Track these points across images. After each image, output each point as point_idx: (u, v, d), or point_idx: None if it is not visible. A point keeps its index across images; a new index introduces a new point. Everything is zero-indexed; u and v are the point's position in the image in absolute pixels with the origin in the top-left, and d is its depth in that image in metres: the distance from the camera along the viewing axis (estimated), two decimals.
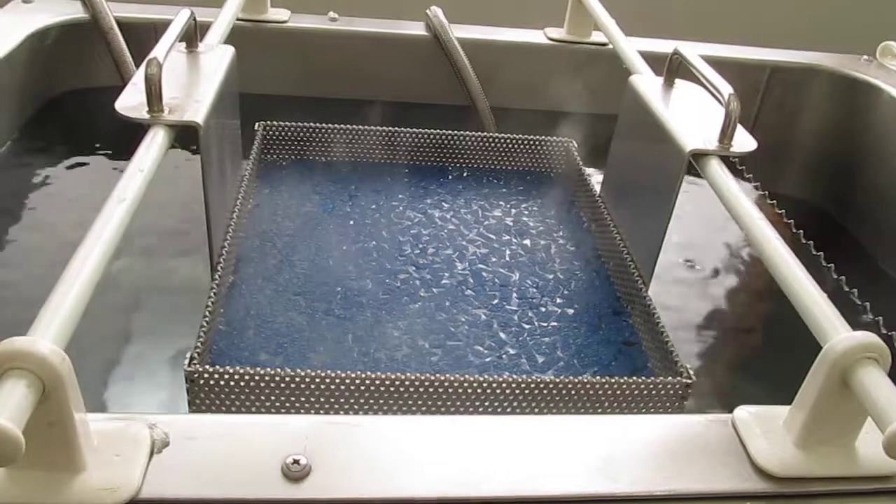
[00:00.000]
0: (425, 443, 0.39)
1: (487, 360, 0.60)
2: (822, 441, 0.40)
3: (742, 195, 0.54)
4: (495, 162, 0.87)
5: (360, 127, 0.84)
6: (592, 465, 0.39)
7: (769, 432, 0.41)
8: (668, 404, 0.54)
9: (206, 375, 0.49)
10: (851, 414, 0.40)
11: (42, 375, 0.32)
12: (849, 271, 0.80)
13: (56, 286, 0.38)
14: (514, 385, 0.51)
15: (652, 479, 0.39)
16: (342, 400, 0.51)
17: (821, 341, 0.40)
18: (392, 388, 0.51)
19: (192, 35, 0.65)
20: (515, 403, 0.52)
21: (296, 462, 0.37)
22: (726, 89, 0.58)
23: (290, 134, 0.84)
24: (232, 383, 0.50)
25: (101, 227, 0.43)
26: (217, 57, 0.65)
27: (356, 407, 0.51)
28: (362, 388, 0.50)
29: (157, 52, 0.54)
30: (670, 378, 0.54)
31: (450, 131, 0.85)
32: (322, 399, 0.51)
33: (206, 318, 0.55)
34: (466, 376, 0.51)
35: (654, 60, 0.75)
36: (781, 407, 0.42)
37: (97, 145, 0.89)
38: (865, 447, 0.41)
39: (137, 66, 0.86)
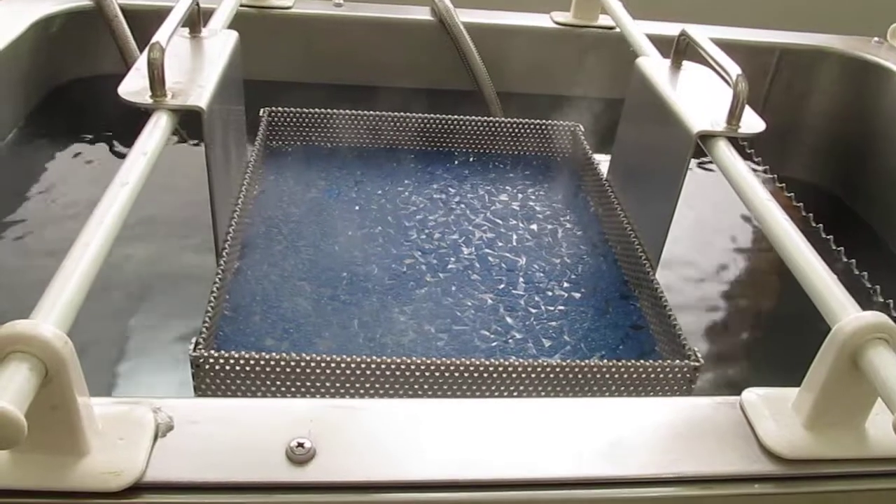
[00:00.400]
0: (431, 426, 0.39)
1: (494, 344, 0.60)
2: (831, 423, 0.40)
3: (750, 176, 0.53)
4: (502, 147, 0.86)
5: (366, 112, 0.84)
6: (600, 448, 0.39)
7: (778, 414, 0.41)
8: (676, 387, 0.54)
9: (211, 360, 0.49)
10: (861, 395, 0.39)
11: (44, 359, 0.32)
12: (858, 255, 0.79)
13: (59, 270, 0.38)
14: (520, 369, 0.51)
15: (660, 461, 0.38)
16: (347, 384, 0.51)
17: (830, 322, 0.40)
18: (398, 373, 0.50)
19: (196, 20, 0.64)
20: (522, 387, 0.52)
21: (300, 445, 0.36)
22: (734, 70, 0.58)
23: (295, 120, 0.83)
24: (238, 368, 0.50)
25: (103, 210, 0.43)
26: (220, 42, 0.65)
27: (362, 391, 0.51)
28: (367, 372, 0.50)
29: (160, 36, 0.54)
30: (678, 361, 0.53)
31: (456, 116, 0.85)
32: (328, 384, 0.50)
33: (212, 304, 0.55)
34: (473, 360, 0.51)
35: (661, 43, 0.74)
36: (790, 389, 0.42)
37: (102, 133, 0.89)
38: (875, 428, 0.41)
39: (142, 52, 0.86)
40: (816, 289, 0.43)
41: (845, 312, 0.40)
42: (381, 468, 0.36)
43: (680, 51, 0.68)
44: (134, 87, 0.55)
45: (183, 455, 0.36)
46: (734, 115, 0.58)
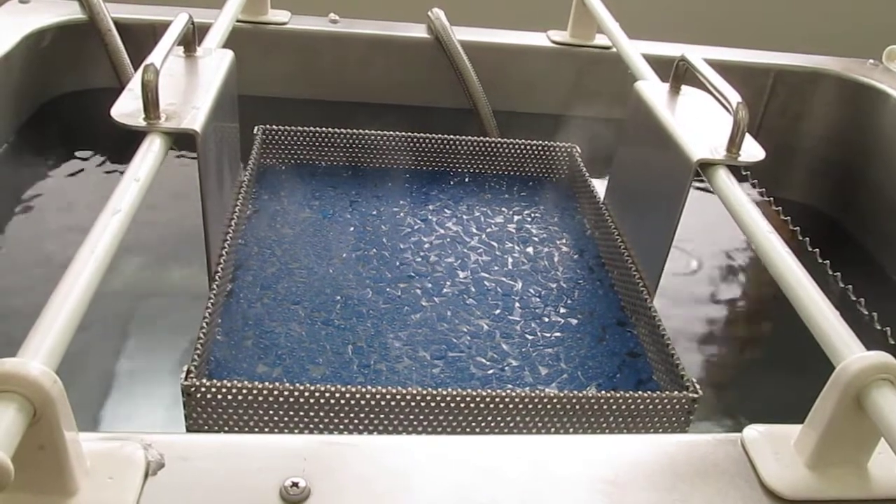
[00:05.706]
0: (426, 464, 0.38)
1: (490, 372, 0.59)
2: (834, 462, 0.39)
3: (751, 206, 0.53)
4: (498, 167, 0.85)
5: (361, 131, 0.83)
6: (599, 488, 0.38)
7: (780, 453, 0.40)
8: (674, 419, 0.53)
9: (202, 389, 0.48)
10: (864, 435, 0.39)
11: (32, 398, 0.31)
12: (855, 279, 0.79)
13: (48, 304, 0.37)
14: (517, 400, 0.50)
15: (659, 501, 0.38)
16: (342, 415, 0.50)
17: (833, 361, 0.39)
18: (392, 403, 0.49)
19: (191, 39, 0.64)
20: (518, 418, 0.51)
21: (295, 485, 0.36)
22: (734, 98, 0.57)
23: (289, 138, 0.83)
24: (230, 397, 0.49)
25: (94, 240, 0.42)
26: (216, 62, 0.64)
27: (356, 422, 0.50)
28: (362, 402, 0.49)
29: (154, 57, 0.53)
30: (676, 393, 0.53)
31: (452, 136, 0.84)
32: (321, 413, 0.50)
33: (204, 329, 0.54)
34: (469, 391, 0.50)
35: (658, 64, 0.74)
36: (792, 426, 0.41)
37: (95, 148, 0.88)
38: (878, 468, 0.40)
39: (135, 67, 0.85)
40: (819, 326, 0.42)
41: (849, 351, 0.39)
42: None
43: (679, 75, 0.68)
44: (127, 108, 0.54)
45: (174, 494, 0.35)
46: (734, 143, 0.58)
